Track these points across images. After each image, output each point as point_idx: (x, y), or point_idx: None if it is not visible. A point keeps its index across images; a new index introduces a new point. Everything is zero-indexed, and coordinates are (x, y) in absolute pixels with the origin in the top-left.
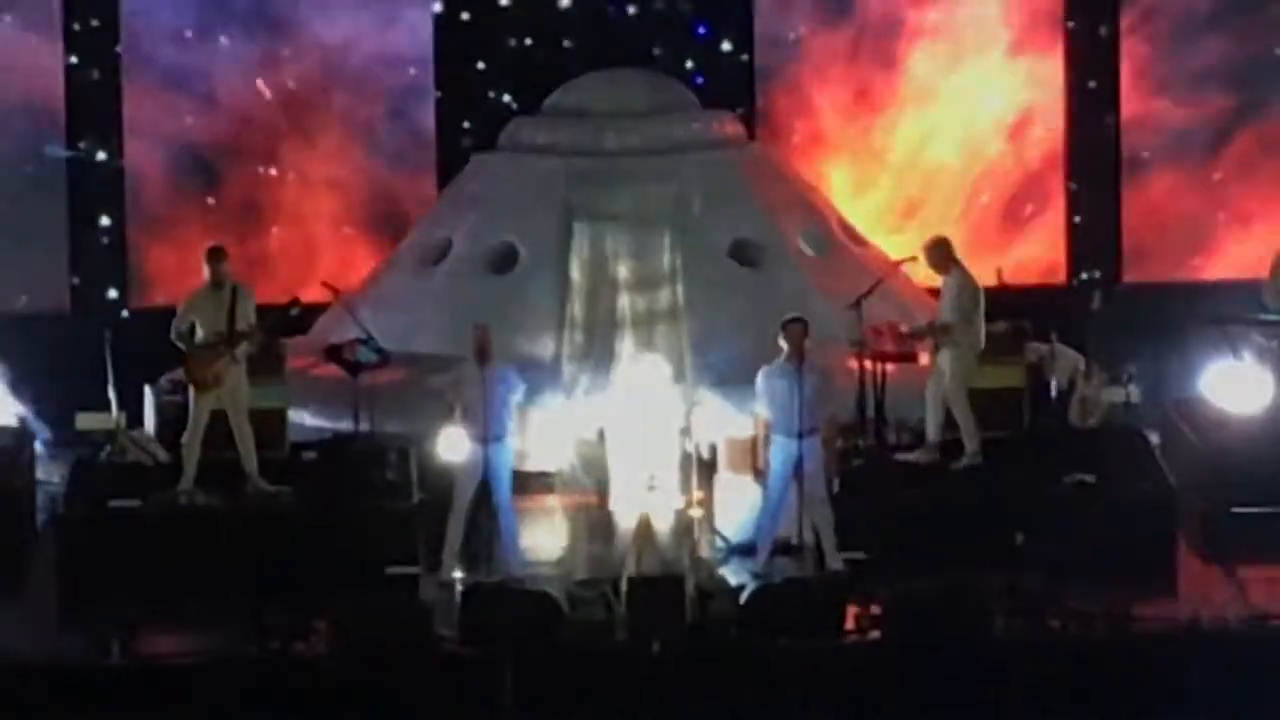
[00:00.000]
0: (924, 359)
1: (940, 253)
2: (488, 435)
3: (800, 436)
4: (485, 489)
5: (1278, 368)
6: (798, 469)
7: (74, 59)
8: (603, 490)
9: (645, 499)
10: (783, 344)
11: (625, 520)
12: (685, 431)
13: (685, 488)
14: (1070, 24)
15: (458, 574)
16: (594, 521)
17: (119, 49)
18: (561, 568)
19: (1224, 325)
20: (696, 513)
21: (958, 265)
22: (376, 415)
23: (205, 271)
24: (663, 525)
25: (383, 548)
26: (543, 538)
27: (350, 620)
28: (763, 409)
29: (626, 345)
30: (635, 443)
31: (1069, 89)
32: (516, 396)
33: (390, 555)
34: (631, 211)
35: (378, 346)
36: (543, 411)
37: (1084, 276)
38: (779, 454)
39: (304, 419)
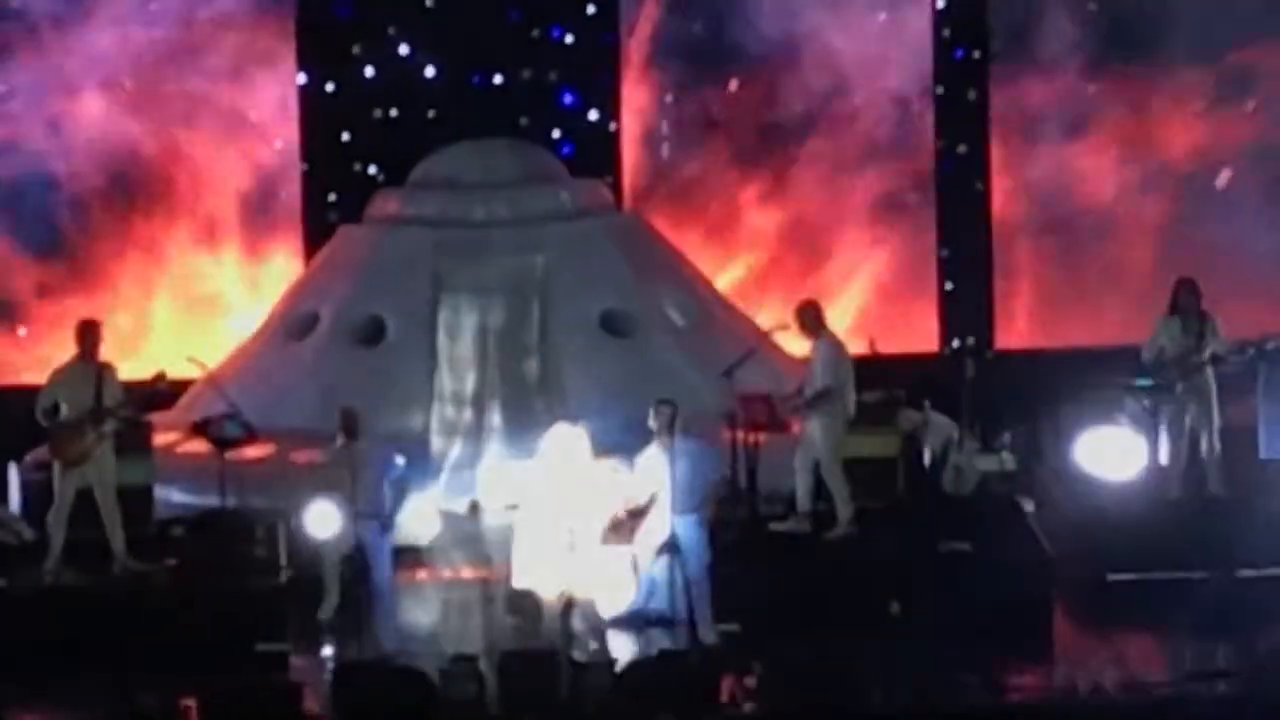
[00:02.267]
0: (796, 428)
1: (811, 316)
2: (361, 512)
3: (675, 513)
4: (361, 565)
5: (1151, 433)
6: (673, 546)
7: None
8: (489, 563)
9: (561, 569)
10: (653, 425)
11: (544, 593)
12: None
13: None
14: (939, 89)
15: (329, 650)
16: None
17: None
18: (435, 644)
19: (1098, 390)
20: (572, 586)
21: (827, 331)
22: (244, 491)
23: (76, 346)
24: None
25: (252, 625)
26: (417, 614)
27: (220, 699)
28: (638, 488)
29: (500, 418)
30: (552, 514)
31: (938, 154)
32: (394, 473)
33: (259, 632)
34: (500, 282)
35: (244, 421)
36: (414, 486)
37: (956, 344)
38: (655, 530)
39: (170, 495)
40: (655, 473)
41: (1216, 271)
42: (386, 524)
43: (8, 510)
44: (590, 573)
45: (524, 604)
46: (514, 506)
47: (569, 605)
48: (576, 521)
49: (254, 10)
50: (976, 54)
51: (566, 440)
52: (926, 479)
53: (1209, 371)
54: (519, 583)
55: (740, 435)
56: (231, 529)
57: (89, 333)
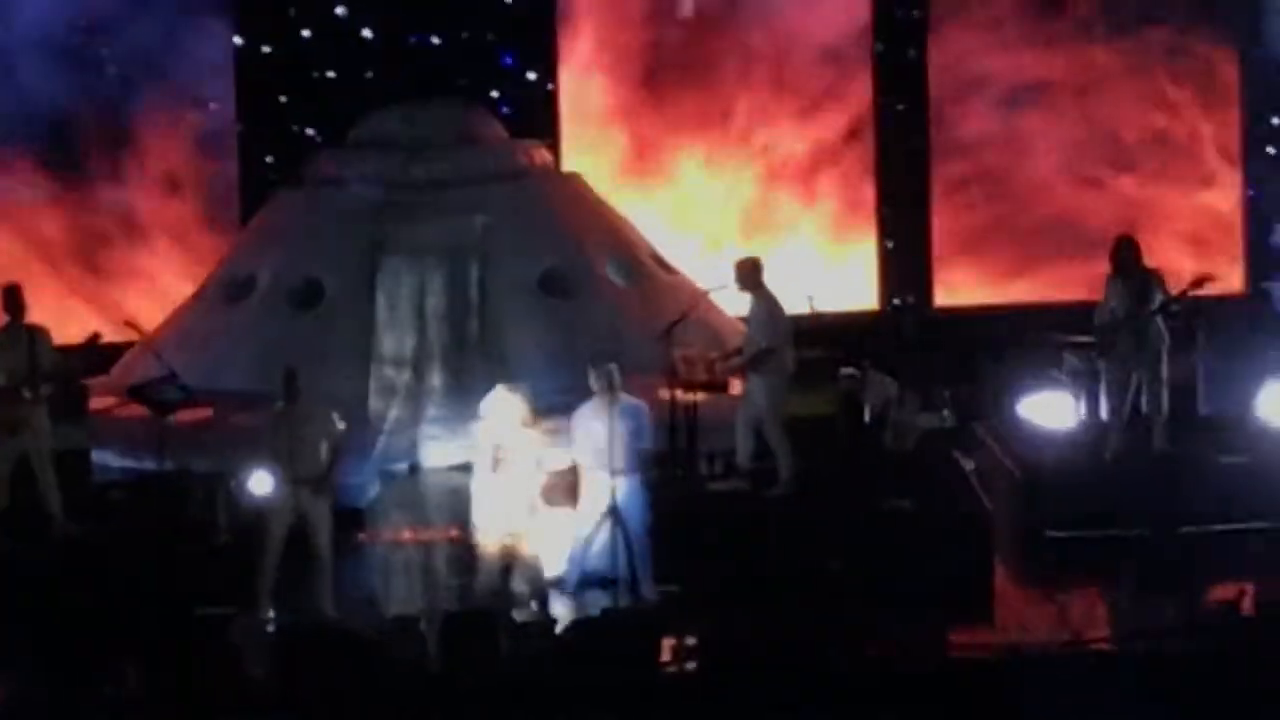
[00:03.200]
0: (735, 388)
1: (749, 274)
2: (301, 476)
3: (615, 474)
4: (301, 527)
5: (1092, 390)
6: (613, 506)
7: None
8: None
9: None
10: (594, 383)
11: (487, 552)
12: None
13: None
14: (879, 46)
15: (270, 613)
16: (450, 556)
17: None
18: (375, 606)
19: (1037, 347)
20: (515, 546)
21: (765, 290)
22: (182, 454)
23: (2, 312)
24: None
25: (191, 588)
26: (357, 576)
27: (160, 662)
28: (577, 448)
29: (439, 379)
30: (498, 474)
31: (878, 112)
32: (333, 436)
33: (199, 596)
34: (439, 244)
35: (182, 385)
36: (354, 449)
37: (896, 302)
38: (594, 491)
39: (108, 459)
40: (595, 431)
41: (1161, 229)
42: (325, 486)
43: None
44: (533, 533)
45: (462, 563)
46: (457, 467)
47: (510, 565)
48: (521, 482)
49: None
50: (915, 12)
51: (505, 402)
52: (867, 437)
53: (1158, 326)
54: (473, 542)
55: (680, 394)
56: (170, 492)
57: (12, 297)
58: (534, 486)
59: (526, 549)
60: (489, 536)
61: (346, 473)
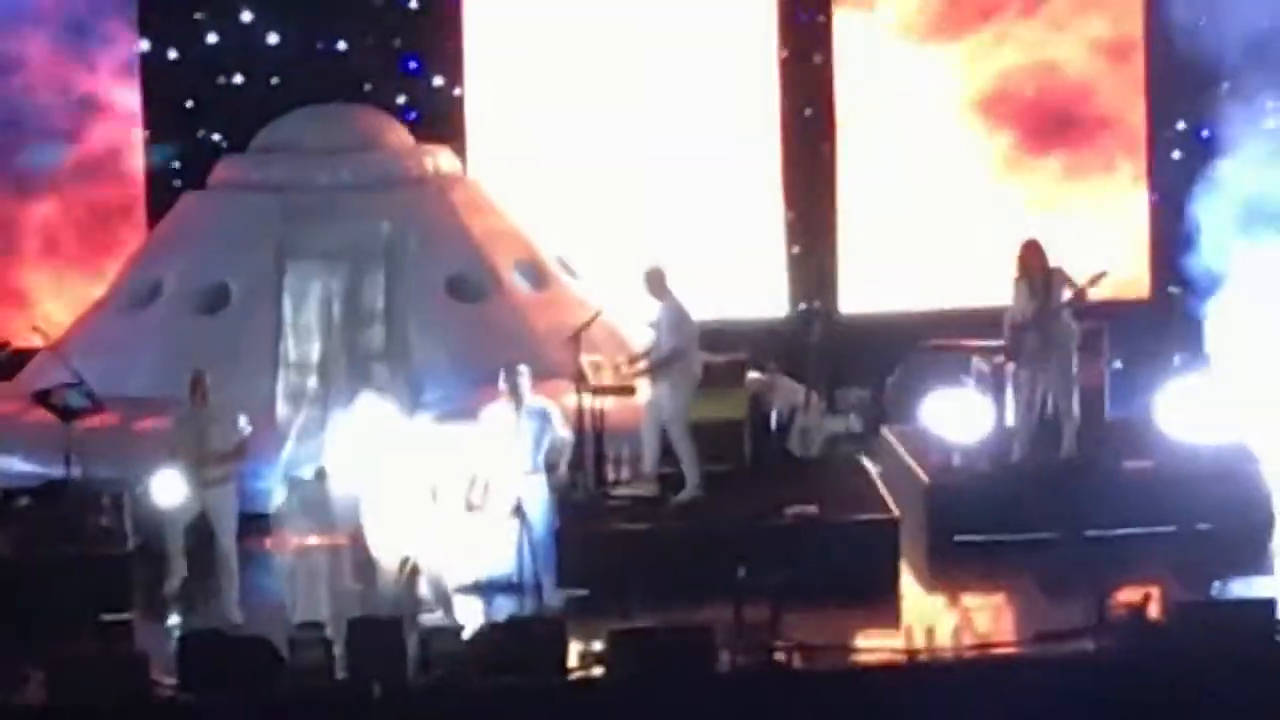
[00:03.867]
0: (643, 392)
1: (655, 280)
2: (207, 479)
3: (521, 476)
4: (207, 533)
5: (998, 394)
6: (520, 509)
7: None
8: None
9: (400, 535)
10: (502, 386)
11: (385, 559)
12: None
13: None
14: (783, 53)
15: (175, 620)
16: (355, 562)
17: None
18: (282, 612)
19: (945, 352)
20: (417, 552)
21: (671, 294)
22: (89, 460)
23: None
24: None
25: (97, 594)
26: (264, 581)
27: (65, 669)
28: (484, 451)
29: (346, 384)
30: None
31: (784, 117)
32: (240, 440)
33: (105, 602)
34: (345, 248)
35: (88, 390)
36: (260, 453)
37: (803, 306)
38: (501, 494)
39: (13, 465)
40: (502, 434)
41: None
42: (231, 490)
43: None
44: (435, 538)
45: (366, 570)
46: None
47: (413, 571)
48: (416, 488)
49: None
50: (821, 17)
51: (373, 409)
52: (773, 441)
53: (1063, 326)
54: (368, 549)
55: (588, 399)
56: (76, 498)
57: None
58: (423, 490)
59: (423, 554)
60: (383, 543)
61: (253, 477)
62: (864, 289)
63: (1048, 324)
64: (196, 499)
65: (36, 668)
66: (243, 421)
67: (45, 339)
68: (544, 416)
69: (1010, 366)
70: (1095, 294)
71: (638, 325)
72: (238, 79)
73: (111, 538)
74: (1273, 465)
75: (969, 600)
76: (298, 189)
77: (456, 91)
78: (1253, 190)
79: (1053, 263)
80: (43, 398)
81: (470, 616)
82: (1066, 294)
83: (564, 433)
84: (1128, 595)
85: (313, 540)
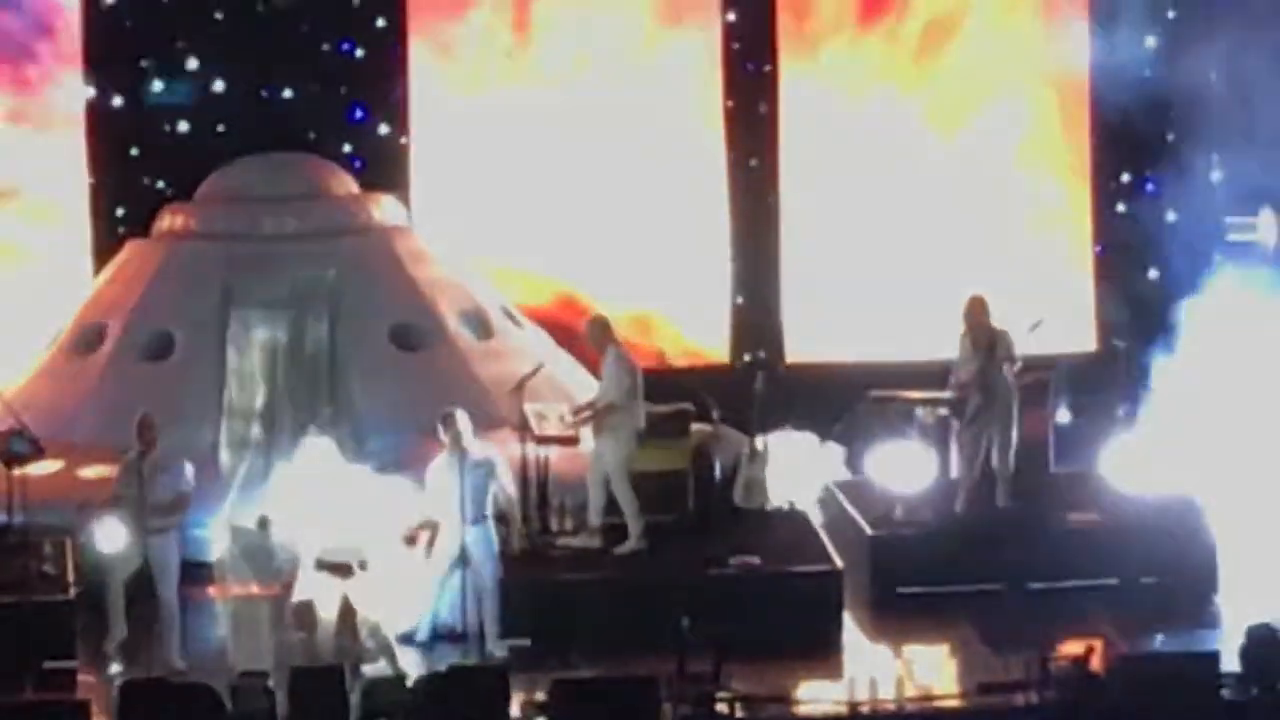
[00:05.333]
0: (585, 442)
1: (599, 330)
2: (150, 526)
3: (465, 524)
4: (149, 581)
5: (942, 446)
6: (464, 558)
7: None
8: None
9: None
10: (443, 437)
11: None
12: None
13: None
14: (729, 103)
15: (117, 668)
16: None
17: None
18: (224, 660)
19: (888, 403)
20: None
21: (616, 345)
22: (31, 507)
23: None
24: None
25: (39, 641)
26: (206, 630)
27: (6, 716)
28: (430, 500)
29: (289, 432)
30: (319, 526)
31: (730, 168)
32: (184, 487)
33: (47, 649)
34: (289, 296)
35: (31, 437)
36: (203, 501)
37: (747, 357)
38: (444, 542)
39: None
40: (446, 484)
41: (1013, 286)
42: (174, 538)
43: None
44: (376, 587)
45: (307, 619)
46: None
47: (353, 620)
48: (354, 535)
49: (39, 26)
50: (767, 68)
51: (316, 457)
52: (717, 492)
53: (1005, 382)
54: (303, 597)
55: (532, 449)
56: (18, 545)
57: None
58: (373, 539)
59: (366, 604)
60: (326, 592)
61: (195, 525)
62: (809, 339)
63: (990, 382)
64: (139, 547)
65: None
66: (189, 472)
67: None
68: (488, 467)
69: (954, 420)
70: (1041, 347)
71: (580, 376)
72: (183, 126)
73: (54, 584)
74: (1217, 518)
75: (912, 651)
76: (242, 237)
77: (402, 140)
78: (1198, 242)
79: (997, 321)
80: None
81: (413, 666)
82: (1008, 365)
83: (509, 486)
84: (1071, 647)
85: (255, 589)
